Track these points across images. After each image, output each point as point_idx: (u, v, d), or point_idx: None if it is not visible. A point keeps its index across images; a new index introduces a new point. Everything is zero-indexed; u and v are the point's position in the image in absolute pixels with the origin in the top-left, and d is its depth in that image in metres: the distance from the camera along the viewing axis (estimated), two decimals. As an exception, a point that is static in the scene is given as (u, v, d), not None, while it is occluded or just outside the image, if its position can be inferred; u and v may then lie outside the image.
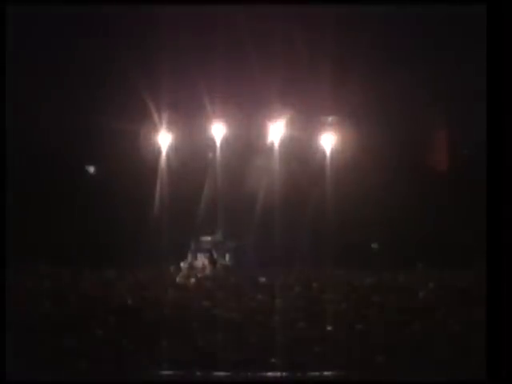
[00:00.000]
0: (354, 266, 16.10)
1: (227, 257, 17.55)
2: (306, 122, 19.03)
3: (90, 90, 17.74)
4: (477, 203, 12.63)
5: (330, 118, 19.52)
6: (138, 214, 18.34)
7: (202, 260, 17.72)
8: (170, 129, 18.86)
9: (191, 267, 17.37)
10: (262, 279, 15.77)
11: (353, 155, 18.64)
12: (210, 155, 19.77)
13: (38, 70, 16.99)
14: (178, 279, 15.81)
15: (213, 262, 17.62)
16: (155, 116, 18.27)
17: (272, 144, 19.44)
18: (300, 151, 19.33)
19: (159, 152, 18.96)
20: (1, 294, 11.46)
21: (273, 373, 11.74)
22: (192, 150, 19.58)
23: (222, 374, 11.67)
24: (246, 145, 19.64)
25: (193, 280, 15.62)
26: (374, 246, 17.97)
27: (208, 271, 17.20)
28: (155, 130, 18.64)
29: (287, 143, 19.47)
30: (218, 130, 19.42)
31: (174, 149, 19.09)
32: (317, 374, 11.67)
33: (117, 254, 16.60)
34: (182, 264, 17.41)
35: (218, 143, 19.43)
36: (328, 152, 18.95)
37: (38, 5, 14.43)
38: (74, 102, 17.69)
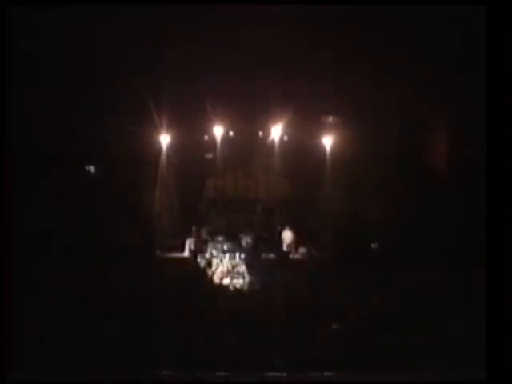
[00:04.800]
0: (353, 265, 16.13)
1: (226, 257, 17.57)
2: (307, 122, 19.06)
3: (89, 90, 17.77)
4: (477, 203, 12.63)
5: (330, 118, 19.56)
6: (138, 214, 18.36)
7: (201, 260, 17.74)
8: (170, 129, 18.89)
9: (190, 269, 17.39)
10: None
11: (353, 155, 18.69)
12: (211, 155, 19.81)
13: (38, 69, 17.01)
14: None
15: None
16: (156, 116, 18.30)
17: (272, 144, 19.48)
18: (300, 151, 19.37)
19: (159, 152, 19.00)
20: (1, 294, 11.46)
21: (273, 373, 11.75)
22: (192, 151, 19.61)
23: (222, 374, 11.67)
24: (247, 144, 19.69)
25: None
26: (375, 245, 18.00)
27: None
28: (155, 130, 18.68)
29: (287, 143, 19.51)
30: (218, 130, 19.47)
31: (175, 149, 19.11)
32: (317, 374, 11.67)
33: (117, 254, 16.60)
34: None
35: (218, 143, 19.47)
36: (328, 152, 18.99)
37: (38, 5, 14.42)
38: (74, 102, 17.72)
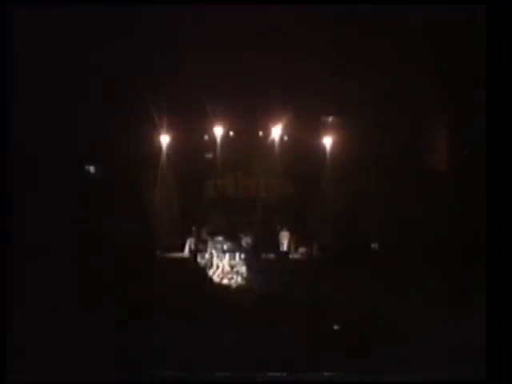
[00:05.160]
0: (353, 265, 16.13)
1: (226, 257, 17.58)
2: (307, 122, 19.06)
3: (90, 90, 17.76)
4: (477, 203, 12.63)
5: (330, 118, 19.55)
6: (138, 214, 18.35)
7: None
8: (170, 129, 18.89)
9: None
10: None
11: (353, 155, 18.69)
12: (211, 155, 19.81)
13: (38, 69, 16.98)
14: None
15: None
16: (156, 116, 18.29)
17: (272, 144, 19.48)
18: (300, 151, 19.37)
19: (159, 152, 19.00)
20: (1, 294, 11.46)
21: (273, 373, 11.76)
22: (192, 151, 19.60)
23: (221, 374, 11.68)
24: (247, 144, 19.69)
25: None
26: (375, 246, 17.99)
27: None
28: (156, 130, 18.68)
29: (287, 143, 19.51)
30: (218, 130, 19.46)
31: (175, 149, 19.11)
32: (317, 374, 11.69)
33: (117, 254, 16.58)
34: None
35: (218, 143, 19.47)
36: (328, 152, 19.00)
37: (38, 5, 14.40)
38: (74, 102, 17.70)
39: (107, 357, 11.94)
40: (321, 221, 18.74)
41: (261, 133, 19.68)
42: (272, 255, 17.94)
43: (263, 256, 17.84)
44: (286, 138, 19.56)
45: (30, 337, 12.35)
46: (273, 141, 19.47)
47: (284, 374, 11.69)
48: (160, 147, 19.03)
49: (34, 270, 15.10)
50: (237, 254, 17.66)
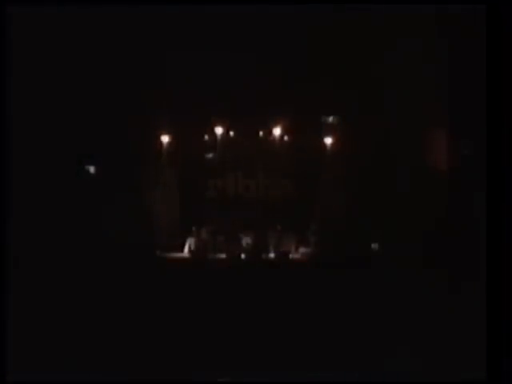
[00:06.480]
0: (353, 265, 16.13)
1: (226, 257, 17.59)
2: (307, 122, 19.07)
3: (90, 90, 17.75)
4: (477, 203, 12.63)
5: (330, 118, 19.55)
6: (138, 214, 18.35)
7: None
8: (170, 129, 18.90)
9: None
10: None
11: (353, 155, 18.68)
12: (211, 155, 19.81)
13: (38, 69, 16.99)
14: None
15: None
16: (156, 116, 18.30)
17: (272, 144, 19.48)
18: (300, 151, 19.37)
19: (159, 152, 19.01)
20: (1, 294, 11.47)
21: (273, 373, 11.76)
22: (193, 151, 19.61)
23: (222, 374, 11.70)
24: (247, 144, 19.69)
25: None
26: (374, 246, 17.98)
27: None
28: (156, 129, 18.69)
29: (287, 143, 19.51)
30: (219, 130, 19.46)
31: (175, 149, 19.12)
32: (317, 374, 11.70)
33: (117, 254, 16.57)
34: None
35: (218, 143, 19.47)
36: (328, 152, 19.00)
37: (37, 5, 14.41)
38: (74, 102, 17.70)
39: (107, 357, 11.95)
40: (321, 221, 18.74)
41: (261, 133, 19.68)
42: (272, 255, 17.96)
43: (263, 256, 17.85)
44: (286, 137, 19.56)
45: (30, 336, 12.35)
46: (273, 141, 19.46)
47: (284, 375, 11.70)
48: (160, 147, 19.03)
49: (33, 270, 15.11)
50: (237, 254, 17.69)
